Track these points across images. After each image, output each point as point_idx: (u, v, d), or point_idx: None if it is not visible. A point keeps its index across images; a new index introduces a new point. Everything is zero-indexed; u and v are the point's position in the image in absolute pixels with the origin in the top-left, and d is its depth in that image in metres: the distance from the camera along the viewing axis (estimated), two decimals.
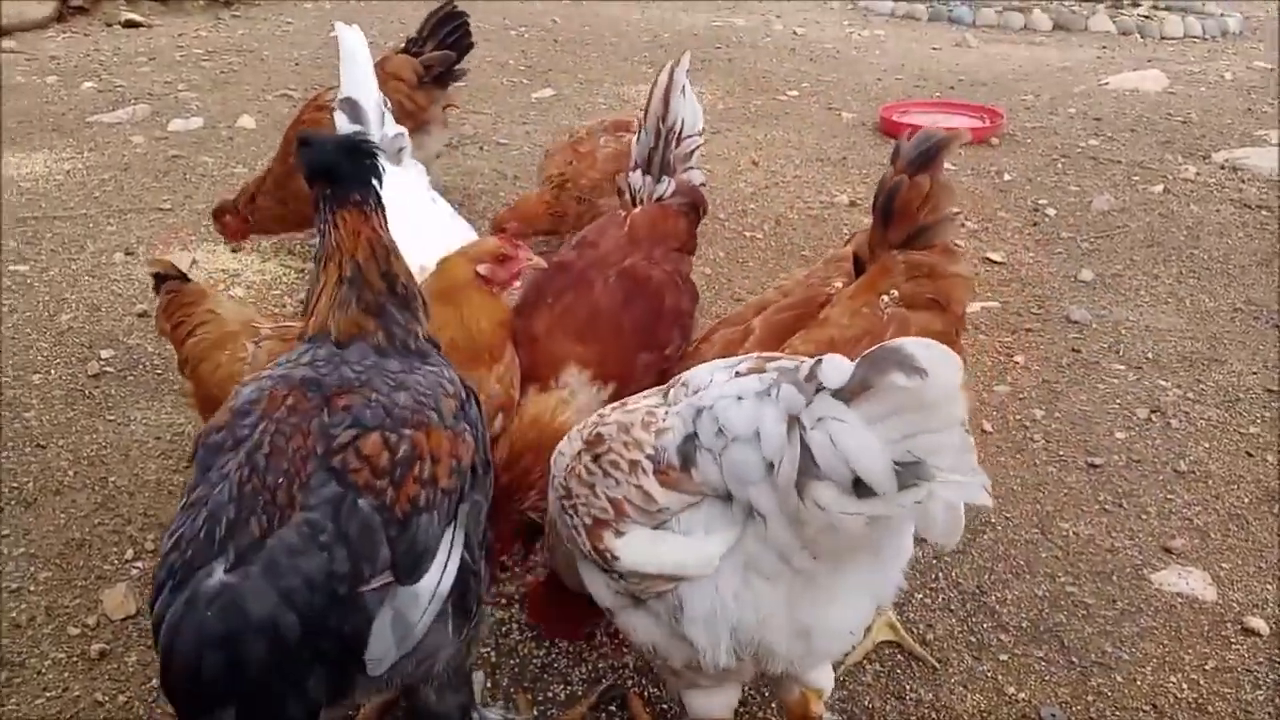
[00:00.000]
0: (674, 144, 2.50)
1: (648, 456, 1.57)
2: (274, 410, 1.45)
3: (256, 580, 1.30)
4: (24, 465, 2.56)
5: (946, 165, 2.10)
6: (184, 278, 2.22)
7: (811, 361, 1.44)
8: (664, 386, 1.71)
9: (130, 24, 7.58)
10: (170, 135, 5.14)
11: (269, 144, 4.83)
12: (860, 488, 1.32)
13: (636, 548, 1.58)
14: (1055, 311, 3.78)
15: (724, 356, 1.98)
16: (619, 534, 1.59)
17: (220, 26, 7.88)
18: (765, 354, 1.67)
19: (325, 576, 1.34)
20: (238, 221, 3.76)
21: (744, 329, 2.20)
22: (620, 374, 2.20)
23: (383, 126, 2.77)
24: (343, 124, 2.72)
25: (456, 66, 3.92)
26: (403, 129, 2.87)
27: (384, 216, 1.66)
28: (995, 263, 4.18)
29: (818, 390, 1.39)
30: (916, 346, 1.32)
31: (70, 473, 2.55)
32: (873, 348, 1.37)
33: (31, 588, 2.24)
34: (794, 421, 1.40)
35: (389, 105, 2.88)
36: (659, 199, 2.50)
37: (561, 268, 2.31)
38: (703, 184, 2.62)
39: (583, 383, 2.19)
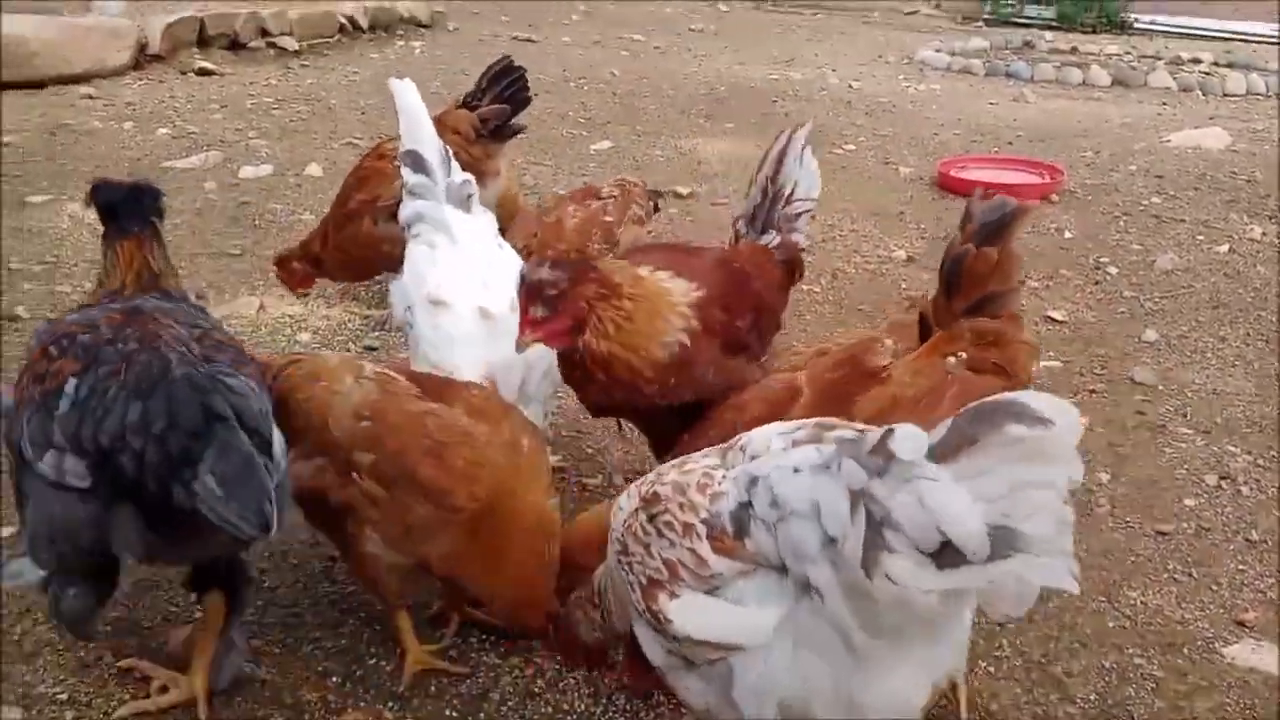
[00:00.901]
0: (781, 203, 2.60)
1: (702, 520, 1.57)
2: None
3: None
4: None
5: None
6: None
7: (879, 433, 1.42)
8: (724, 446, 1.71)
9: (203, 72, 7.83)
10: (241, 182, 5.28)
11: (335, 192, 4.94)
12: (943, 557, 1.30)
13: (689, 613, 1.57)
14: (1119, 372, 3.73)
15: (769, 416, 1.99)
16: (673, 596, 1.59)
17: (289, 75, 8.11)
18: (823, 420, 1.65)
19: None
20: (299, 270, 3.83)
21: (790, 388, 2.20)
22: None
23: (448, 175, 2.84)
24: (408, 176, 2.81)
25: (513, 120, 3.99)
26: (469, 176, 2.92)
27: (160, 246, 2.10)
28: (1057, 321, 4.14)
29: (890, 460, 1.36)
30: (1032, 398, 1.30)
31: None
32: (975, 403, 1.35)
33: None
34: (858, 497, 1.39)
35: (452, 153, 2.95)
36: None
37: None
38: (804, 249, 2.73)
39: None
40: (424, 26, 10.51)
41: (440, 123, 3.75)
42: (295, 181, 5.35)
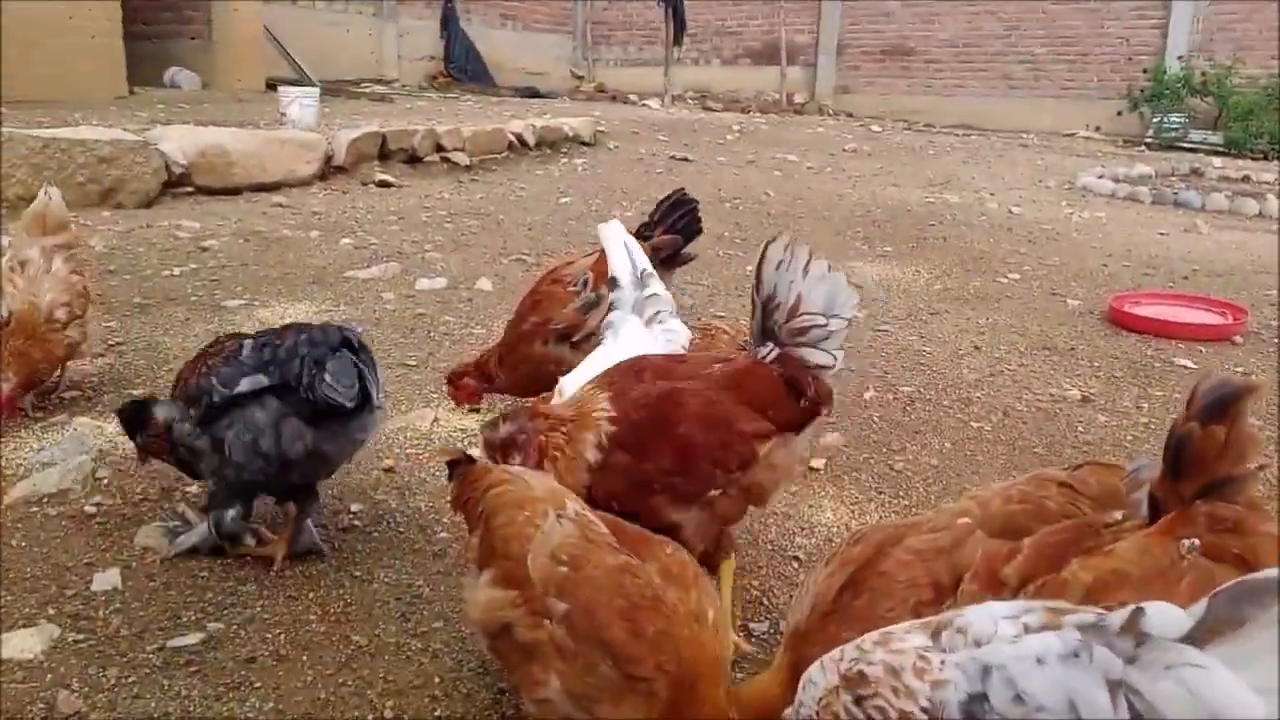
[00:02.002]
0: (775, 315, 2.53)
1: (922, 709, 1.48)
2: None
3: None
4: (277, 617, 2.69)
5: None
6: (471, 459, 2.29)
7: (1124, 612, 1.33)
8: (930, 622, 1.63)
9: (383, 184, 8.32)
10: (417, 294, 5.52)
11: (504, 307, 5.10)
12: None
13: None
14: None
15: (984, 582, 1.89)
16: None
17: (460, 190, 8.54)
18: (1053, 604, 1.56)
19: None
20: (470, 386, 3.94)
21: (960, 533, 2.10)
22: None
23: (639, 290, 3.19)
24: (611, 295, 3.23)
25: (684, 250, 4.06)
26: (659, 291, 3.19)
27: None
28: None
29: (1144, 644, 1.27)
30: None
31: (319, 628, 2.66)
32: (1234, 581, 1.25)
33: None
34: (1116, 687, 1.29)
35: (646, 273, 3.22)
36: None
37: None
38: (821, 367, 2.57)
39: None
40: (587, 145, 10.96)
41: None
42: (467, 295, 5.56)
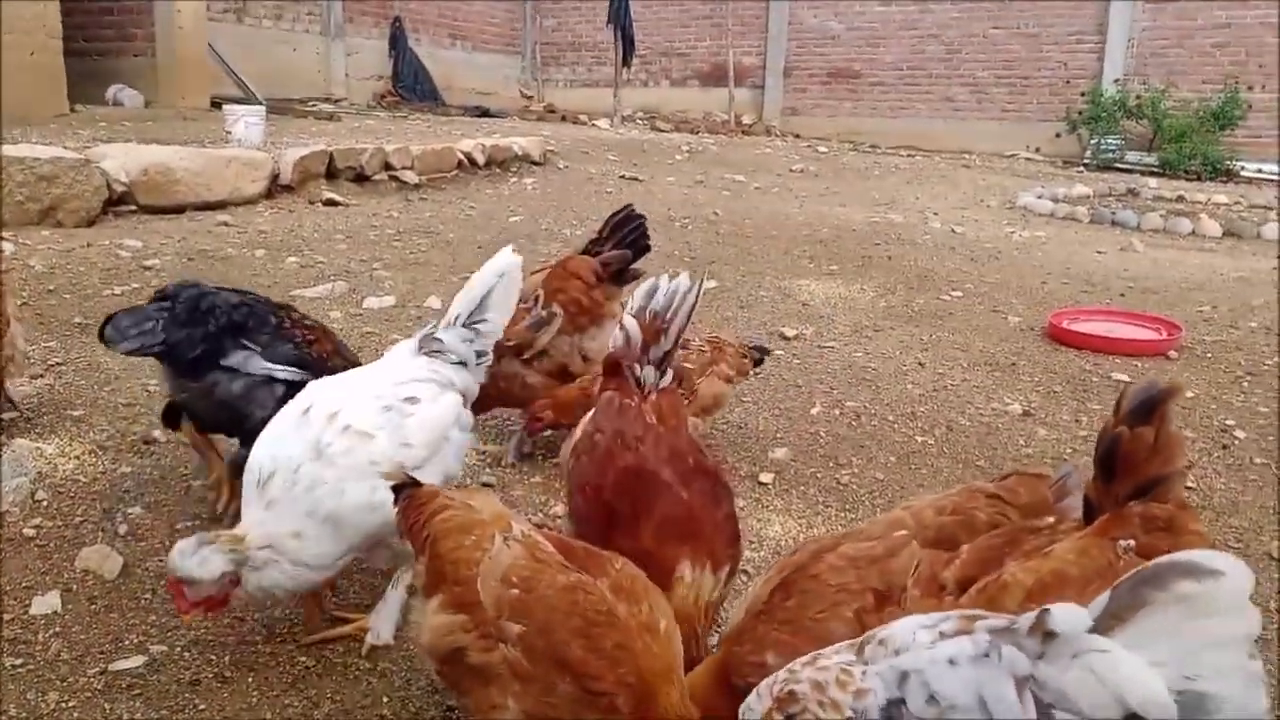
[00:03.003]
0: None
1: (847, 719, 1.53)
2: None
3: None
4: (221, 639, 2.66)
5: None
6: (416, 483, 2.26)
7: (1032, 615, 1.40)
8: (856, 641, 1.68)
9: (330, 202, 8.25)
10: (365, 312, 5.49)
11: None
12: None
13: None
14: (1256, 547, 3.55)
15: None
16: None
17: (409, 208, 8.51)
18: (968, 611, 1.62)
19: None
20: None
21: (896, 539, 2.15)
22: (722, 555, 2.37)
23: (450, 329, 2.85)
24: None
25: (633, 266, 4.09)
26: (456, 346, 2.83)
27: None
28: (1185, 488, 3.98)
29: (1048, 637, 1.35)
30: (1197, 553, 1.30)
31: (265, 649, 2.63)
32: (1139, 568, 1.33)
33: None
34: (1023, 683, 1.35)
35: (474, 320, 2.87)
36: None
37: (636, 474, 2.42)
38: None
39: (702, 574, 2.30)
40: (536, 164, 10.98)
41: (564, 268, 3.91)
42: (416, 314, 5.54)
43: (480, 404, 3.94)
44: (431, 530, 2.08)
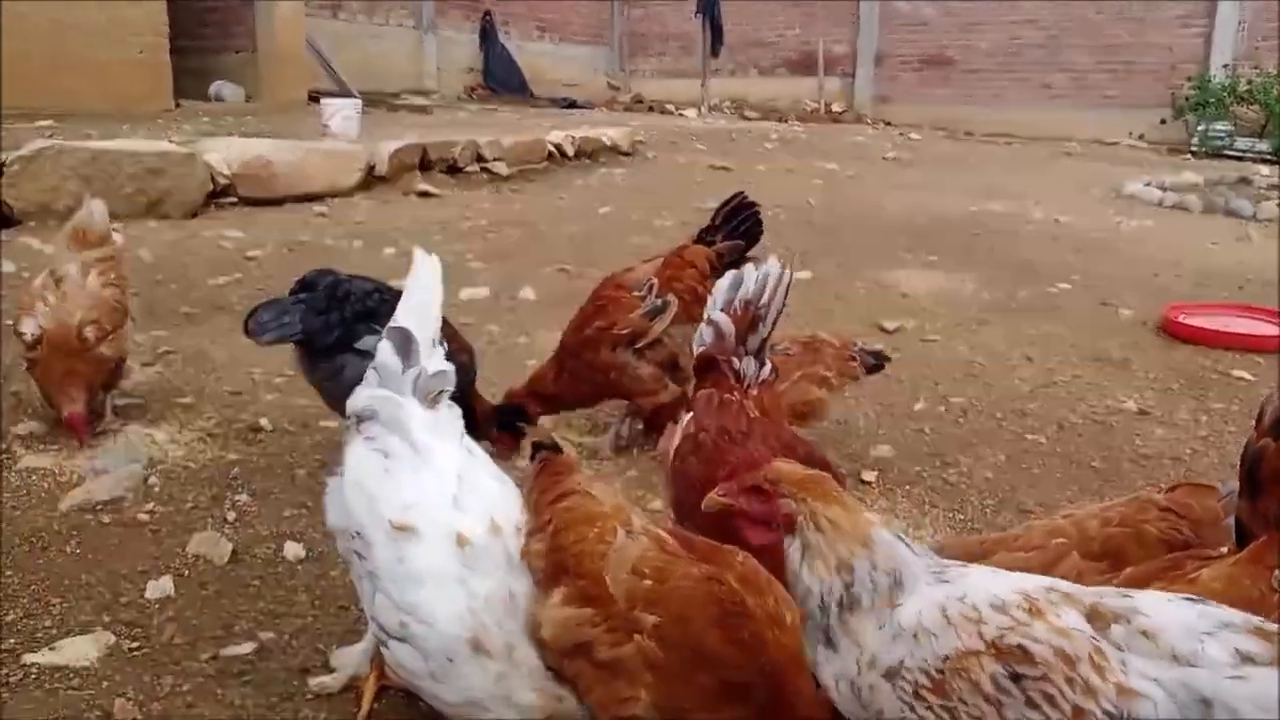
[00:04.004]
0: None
1: (1105, 712, 1.36)
2: None
3: None
4: (328, 627, 2.67)
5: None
6: (557, 448, 2.21)
7: None
8: (1077, 599, 1.49)
9: (424, 194, 8.35)
10: (461, 303, 5.51)
11: (548, 316, 5.09)
12: None
13: None
14: None
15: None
16: None
17: (500, 199, 8.55)
18: (1259, 622, 1.43)
19: None
20: (508, 440, 3.77)
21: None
22: None
23: (424, 361, 2.25)
24: (383, 354, 2.25)
25: (747, 255, 4.00)
26: (447, 368, 2.28)
27: None
28: None
29: None
30: None
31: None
32: None
33: None
34: None
35: (445, 344, 2.36)
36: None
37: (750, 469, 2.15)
38: None
39: None
40: (625, 154, 10.96)
41: (680, 257, 3.82)
42: (510, 304, 5.55)
43: (588, 396, 3.92)
44: (555, 517, 2.04)
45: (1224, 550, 1.90)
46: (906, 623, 1.58)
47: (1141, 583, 1.82)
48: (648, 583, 1.88)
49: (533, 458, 2.21)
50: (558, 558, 1.98)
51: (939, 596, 1.58)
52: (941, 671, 1.50)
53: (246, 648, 2.54)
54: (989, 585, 1.58)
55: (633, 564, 1.91)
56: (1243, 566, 1.75)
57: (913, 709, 1.51)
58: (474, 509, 2.09)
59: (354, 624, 2.67)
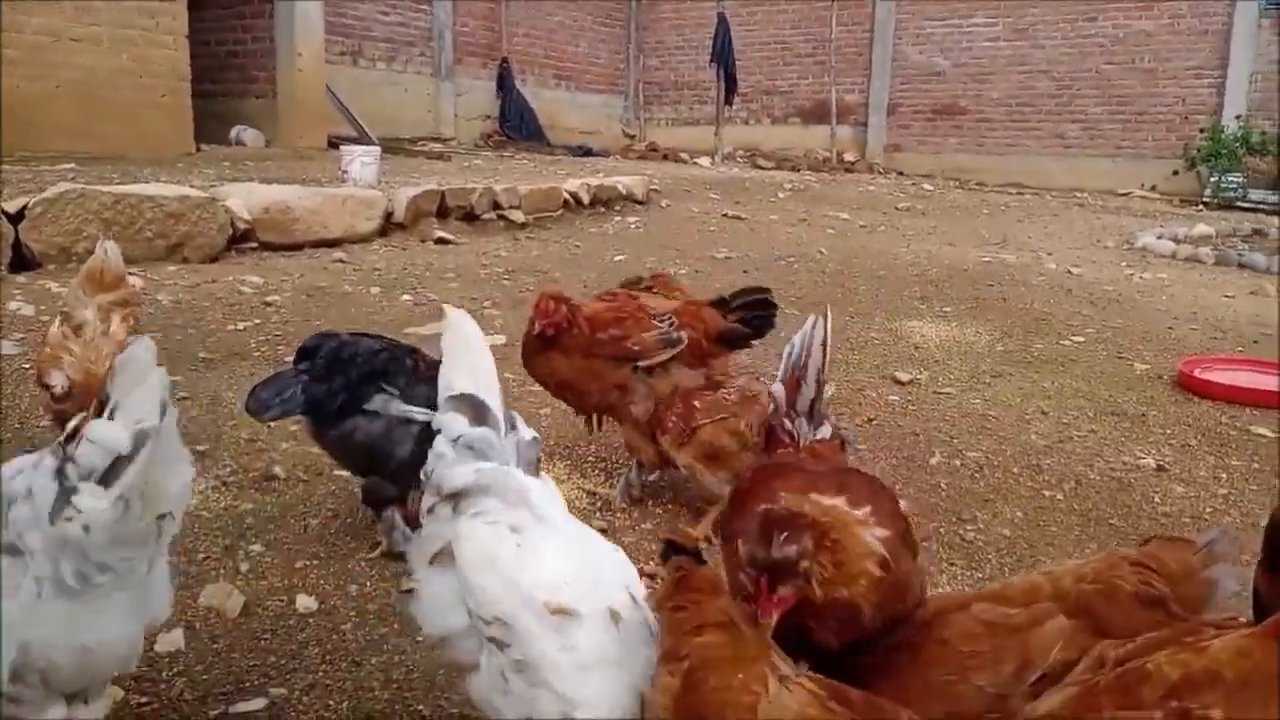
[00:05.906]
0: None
1: None
2: None
3: None
4: (339, 684, 2.65)
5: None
6: (699, 557, 1.90)
7: None
8: None
9: (441, 241, 8.40)
10: None
11: None
12: None
13: None
14: None
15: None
16: None
17: (517, 247, 8.60)
18: None
19: None
20: (562, 311, 3.73)
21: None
22: None
23: (515, 428, 2.17)
24: (460, 428, 2.09)
25: (750, 344, 4.03)
26: (537, 434, 2.19)
27: None
28: None
29: None
30: None
31: (382, 695, 2.61)
32: None
33: None
34: None
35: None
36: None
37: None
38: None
39: None
40: (639, 203, 11.02)
41: (699, 313, 3.85)
42: None
43: (574, 392, 3.91)
44: (691, 653, 1.75)
45: (1241, 619, 1.86)
46: None
47: (1155, 649, 1.79)
48: None
49: (664, 557, 1.91)
50: (692, 701, 1.73)
51: None
52: None
53: (257, 704, 2.52)
54: None
55: None
56: (1258, 639, 1.70)
57: None
58: (610, 579, 1.96)
59: (363, 680, 2.65)
